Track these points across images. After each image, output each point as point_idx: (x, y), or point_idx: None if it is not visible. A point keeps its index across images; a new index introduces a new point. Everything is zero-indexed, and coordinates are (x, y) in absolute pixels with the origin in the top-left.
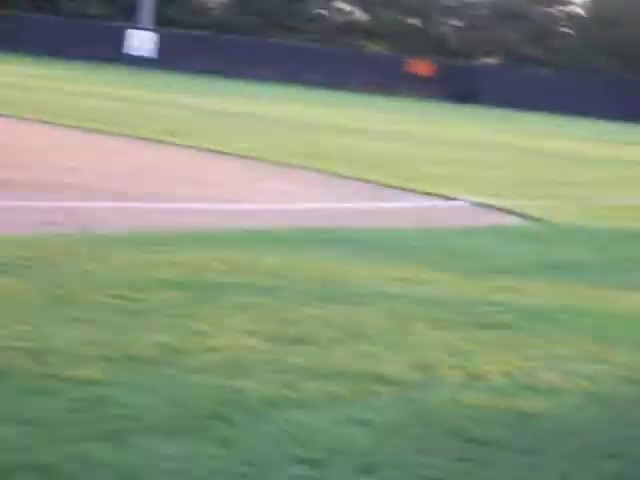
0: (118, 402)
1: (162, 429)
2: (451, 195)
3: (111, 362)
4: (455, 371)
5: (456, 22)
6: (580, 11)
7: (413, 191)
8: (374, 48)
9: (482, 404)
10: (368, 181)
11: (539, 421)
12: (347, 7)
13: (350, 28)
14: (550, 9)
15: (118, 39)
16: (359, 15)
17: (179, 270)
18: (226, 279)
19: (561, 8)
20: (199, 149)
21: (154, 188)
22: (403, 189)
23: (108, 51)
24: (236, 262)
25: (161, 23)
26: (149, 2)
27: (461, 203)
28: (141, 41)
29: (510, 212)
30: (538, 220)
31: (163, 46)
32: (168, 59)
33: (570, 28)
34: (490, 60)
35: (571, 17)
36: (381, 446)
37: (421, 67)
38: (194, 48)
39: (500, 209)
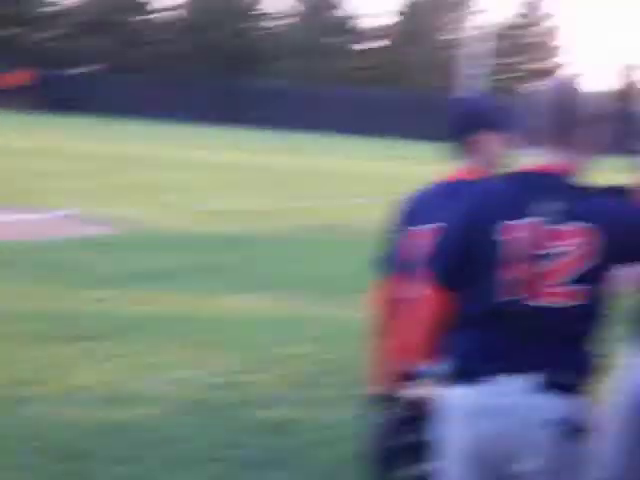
0: None
1: None
2: (51, 207)
3: None
4: (53, 385)
5: (54, 31)
6: (176, 18)
7: (10, 204)
8: None
9: (80, 417)
10: None
11: (137, 430)
12: None
13: None
14: (147, 16)
15: None
16: None
17: None
18: None
19: (158, 15)
20: None
21: None
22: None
23: None
24: None
25: None
26: None
27: (60, 214)
28: None
29: (108, 221)
30: (136, 229)
31: None
32: None
33: (167, 35)
34: (90, 68)
35: (168, 24)
36: None
37: (14, 78)
38: None
39: (98, 219)
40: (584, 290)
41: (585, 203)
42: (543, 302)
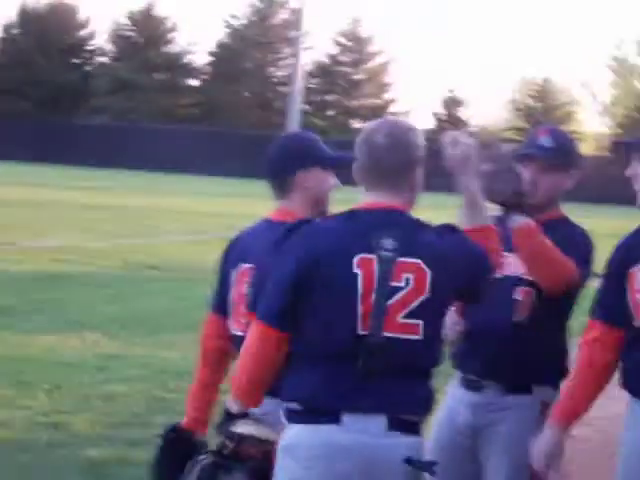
0: None
1: None
2: None
3: None
4: None
5: None
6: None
7: None
8: None
9: None
10: None
11: None
12: None
13: None
14: None
15: None
16: None
17: None
18: None
19: None
20: None
21: None
22: None
23: None
24: None
25: None
26: None
27: None
28: None
29: None
30: None
31: None
32: None
33: None
34: None
35: None
36: None
37: None
38: None
39: None
40: (419, 324)
41: (417, 239)
42: (386, 337)
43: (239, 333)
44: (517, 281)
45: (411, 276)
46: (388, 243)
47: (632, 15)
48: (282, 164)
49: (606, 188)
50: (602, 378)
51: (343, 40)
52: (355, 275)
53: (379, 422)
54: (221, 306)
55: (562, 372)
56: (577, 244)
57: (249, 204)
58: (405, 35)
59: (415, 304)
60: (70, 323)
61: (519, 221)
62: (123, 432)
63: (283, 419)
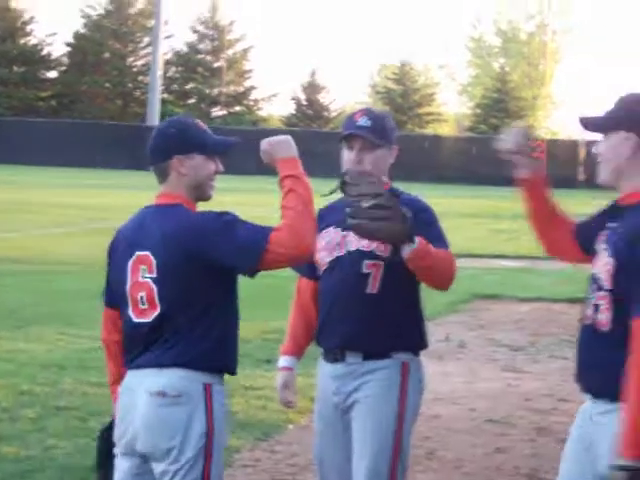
0: None
1: None
2: None
3: None
4: None
5: None
6: None
7: None
8: None
9: None
10: None
11: None
12: None
13: None
14: None
15: None
16: None
17: None
18: None
19: None
20: None
21: None
22: None
23: None
24: None
25: None
26: None
27: None
28: None
29: None
30: None
31: None
32: None
33: None
34: None
35: None
36: None
37: None
38: None
39: None
40: None
41: None
42: None
43: (140, 320)
44: (363, 255)
45: None
46: None
47: None
48: (158, 149)
49: (466, 168)
50: None
51: (202, 28)
52: None
53: None
54: (113, 299)
55: (419, 341)
56: (432, 221)
57: (110, 196)
58: (266, 21)
59: None
60: None
61: (409, 250)
62: None
63: None
